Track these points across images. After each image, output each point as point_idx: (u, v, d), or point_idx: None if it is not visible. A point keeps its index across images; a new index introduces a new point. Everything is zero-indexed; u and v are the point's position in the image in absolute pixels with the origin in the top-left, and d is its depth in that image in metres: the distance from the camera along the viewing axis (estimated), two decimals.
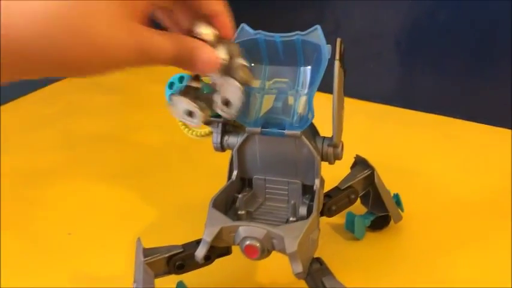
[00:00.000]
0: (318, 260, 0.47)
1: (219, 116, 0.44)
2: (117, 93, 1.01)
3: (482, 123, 0.83)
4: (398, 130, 0.84)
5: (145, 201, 0.69)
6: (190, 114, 0.35)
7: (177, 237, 0.50)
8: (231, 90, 0.35)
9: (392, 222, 0.59)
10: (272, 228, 0.44)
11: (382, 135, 0.83)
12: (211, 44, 0.31)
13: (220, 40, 0.32)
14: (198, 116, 0.35)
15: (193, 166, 0.76)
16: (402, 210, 0.59)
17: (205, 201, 0.47)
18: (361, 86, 0.90)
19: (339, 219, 0.58)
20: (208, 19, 0.32)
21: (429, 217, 0.63)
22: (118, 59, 0.28)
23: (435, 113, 0.87)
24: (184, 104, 0.34)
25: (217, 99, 0.35)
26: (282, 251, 0.43)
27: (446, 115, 0.86)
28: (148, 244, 0.48)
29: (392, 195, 0.58)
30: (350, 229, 0.59)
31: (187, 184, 0.72)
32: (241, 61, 0.35)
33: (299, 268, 0.43)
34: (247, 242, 0.44)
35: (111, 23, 0.26)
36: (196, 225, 0.47)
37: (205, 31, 0.31)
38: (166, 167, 0.77)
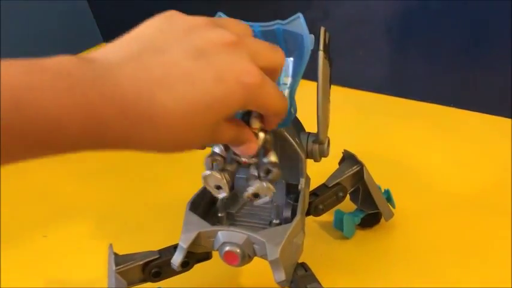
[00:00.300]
0: (303, 266, 0.44)
1: None
2: None
3: (480, 112, 0.80)
4: (389, 120, 0.81)
5: (124, 200, 0.66)
6: (218, 187, 0.38)
7: (158, 238, 0.47)
8: (264, 189, 0.37)
9: (383, 219, 0.56)
10: (253, 233, 0.41)
11: (372, 126, 0.80)
12: (256, 135, 0.35)
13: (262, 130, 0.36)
14: (225, 189, 0.38)
15: (174, 163, 0.73)
16: (393, 206, 0.56)
17: (187, 200, 0.45)
18: (351, 73, 0.87)
19: (327, 217, 0.55)
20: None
21: (422, 213, 0.60)
22: (192, 148, 0.31)
23: (429, 102, 0.84)
24: (214, 180, 0.37)
25: (249, 188, 0.37)
26: (264, 257, 0.41)
27: (440, 104, 0.83)
28: (128, 245, 0.46)
29: (383, 191, 0.55)
30: (339, 227, 0.56)
31: (167, 182, 0.69)
32: (273, 158, 0.38)
33: (281, 276, 0.40)
34: (227, 248, 0.41)
35: (205, 133, 0.30)
36: (178, 225, 0.43)
37: (256, 126, 0.35)
38: (146, 164, 0.74)
